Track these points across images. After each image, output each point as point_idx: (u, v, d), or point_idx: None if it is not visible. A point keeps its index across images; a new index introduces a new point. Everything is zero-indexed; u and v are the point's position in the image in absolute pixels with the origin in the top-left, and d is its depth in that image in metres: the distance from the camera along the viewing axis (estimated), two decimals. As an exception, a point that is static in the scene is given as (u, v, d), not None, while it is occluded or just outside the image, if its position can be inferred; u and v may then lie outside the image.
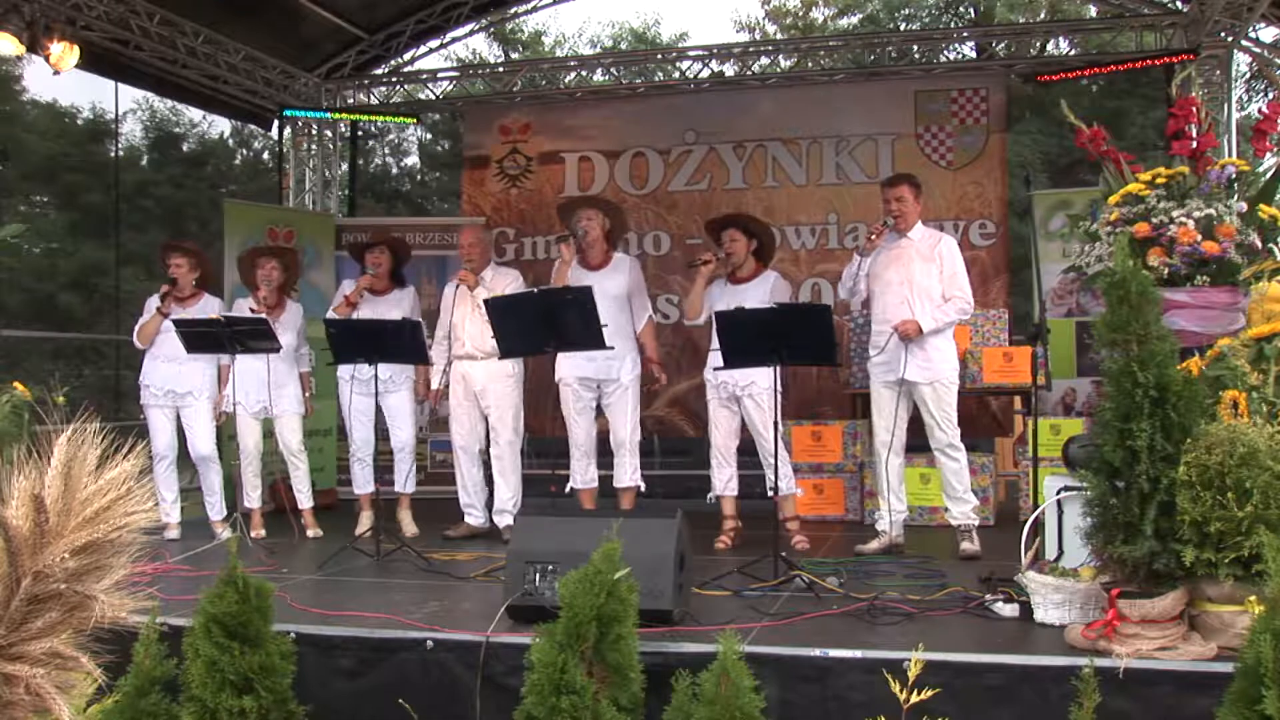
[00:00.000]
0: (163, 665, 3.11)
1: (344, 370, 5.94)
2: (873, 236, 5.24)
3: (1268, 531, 2.85)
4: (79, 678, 1.55)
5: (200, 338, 5.61)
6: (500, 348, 5.22)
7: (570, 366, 5.68)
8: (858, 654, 3.21)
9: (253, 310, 5.98)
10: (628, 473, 5.72)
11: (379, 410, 6.17)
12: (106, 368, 17.05)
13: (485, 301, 5.24)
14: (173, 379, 5.94)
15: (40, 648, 1.49)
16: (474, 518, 6.05)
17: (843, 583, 4.27)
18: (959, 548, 5.15)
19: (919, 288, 5.19)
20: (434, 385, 6.09)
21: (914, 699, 2.65)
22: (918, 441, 5.39)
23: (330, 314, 6.03)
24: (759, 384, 5.37)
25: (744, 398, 5.46)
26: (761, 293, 5.41)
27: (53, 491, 1.51)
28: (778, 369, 4.80)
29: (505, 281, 5.91)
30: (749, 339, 4.76)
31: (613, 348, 5.27)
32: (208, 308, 6.01)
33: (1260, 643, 2.42)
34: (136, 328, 6.02)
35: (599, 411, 5.80)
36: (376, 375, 5.75)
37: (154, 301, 6.01)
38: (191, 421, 6.01)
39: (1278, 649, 2.38)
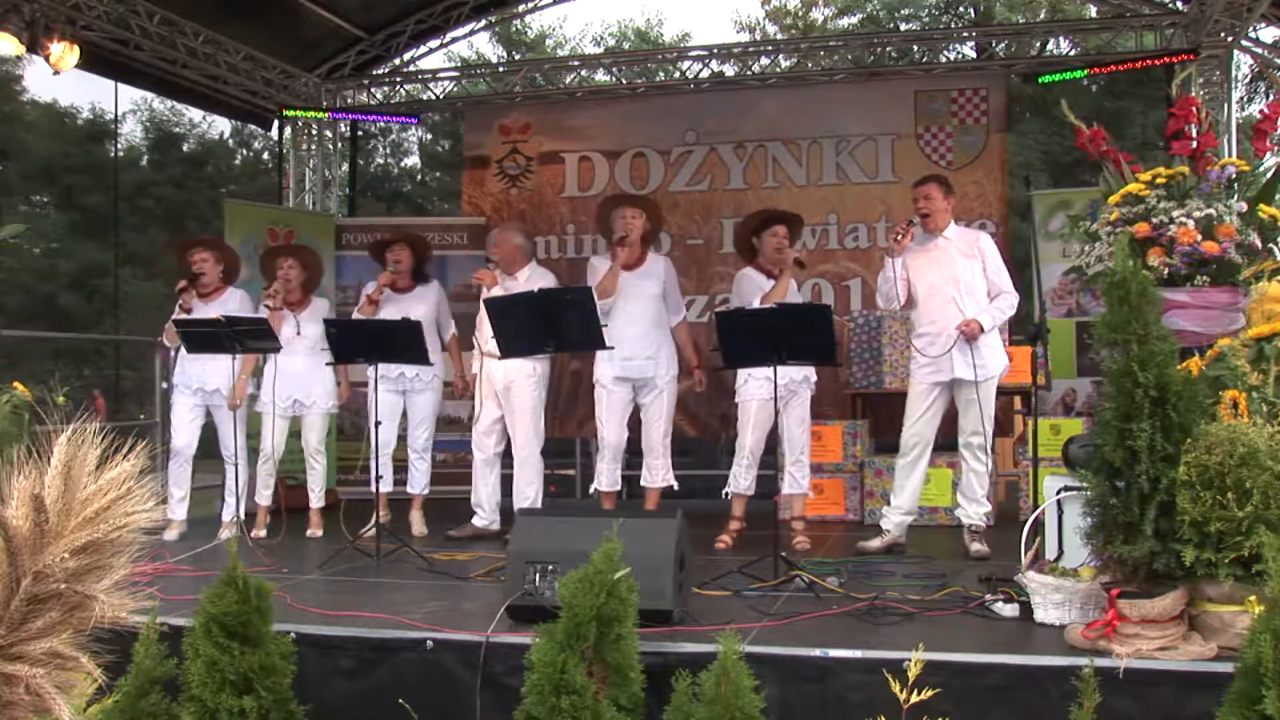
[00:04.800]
0: (163, 665, 3.11)
1: (372, 370, 5.93)
2: (899, 237, 5.20)
3: (1268, 531, 2.85)
4: (79, 678, 1.55)
5: (200, 337, 5.61)
6: (500, 348, 5.21)
7: (607, 367, 5.67)
8: (858, 654, 3.21)
9: (268, 306, 5.99)
10: (659, 474, 5.73)
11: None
12: (106, 368, 17.05)
13: (485, 302, 5.25)
14: (199, 376, 5.95)
15: (40, 648, 1.49)
16: (480, 518, 5.99)
17: (843, 583, 4.27)
18: (969, 549, 5.14)
19: (966, 286, 5.17)
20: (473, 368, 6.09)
21: (914, 699, 2.65)
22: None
23: (355, 314, 6.06)
24: (809, 379, 5.48)
25: (794, 395, 5.48)
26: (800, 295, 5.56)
27: (53, 491, 1.51)
28: (776, 368, 4.80)
29: (539, 282, 5.81)
30: (749, 339, 4.76)
31: (613, 347, 5.28)
32: (230, 301, 6.02)
33: (1260, 643, 2.42)
34: (166, 326, 6.05)
35: (633, 414, 5.81)
36: (378, 374, 5.72)
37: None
38: (223, 419, 6.01)
39: (1278, 649, 2.38)
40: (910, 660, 2.70)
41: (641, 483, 5.83)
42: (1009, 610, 3.70)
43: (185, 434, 5.99)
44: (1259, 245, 3.98)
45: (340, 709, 3.48)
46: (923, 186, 5.30)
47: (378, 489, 5.86)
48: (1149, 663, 3.01)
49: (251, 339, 5.60)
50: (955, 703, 2.96)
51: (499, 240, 6.04)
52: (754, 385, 5.53)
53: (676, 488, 5.81)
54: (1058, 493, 3.98)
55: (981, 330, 5.06)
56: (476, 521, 6.01)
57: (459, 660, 3.43)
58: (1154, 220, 3.95)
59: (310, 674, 3.42)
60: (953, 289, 5.17)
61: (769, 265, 5.63)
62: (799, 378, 5.44)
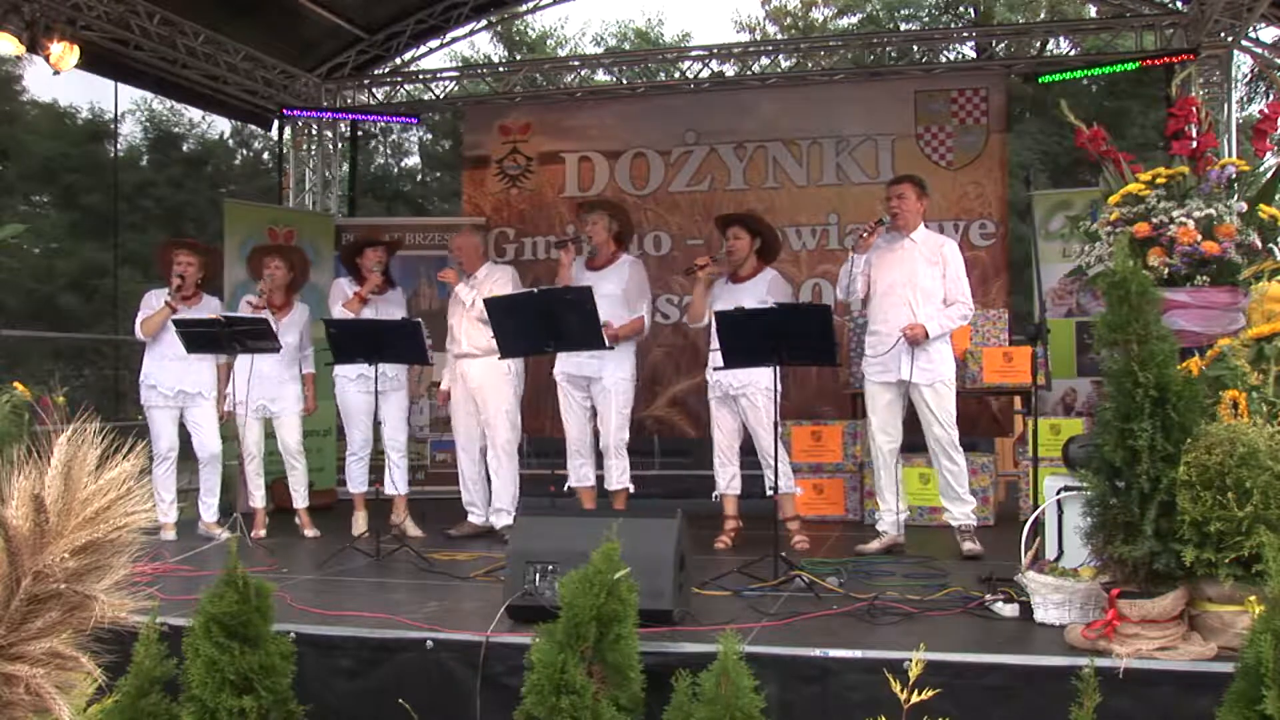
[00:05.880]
0: (163, 665, 3.11)
1: (348, 369, 5.94)
2: (865, 235, 5.26)
3: (1268, 531, 2.85)
4: (79, 678, 1.55)
5: (200, 337, 5.61)
6: (500, 348, 5.23)
7: (560, 364, 5.76)
8: (858, 654, 3.21)
9: (251, 305, 5.98)
10: (614, 475, 5.75)
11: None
12: (106, 368, 17.06)
13: (485, 301, 5.27)
14: (181, 378, 5.93)
15: (40, 648, 1.49)
16: (476, 516, 6.09)
17: (843, 583, 4.27)
18: (962, 548, 5.15)
19: (922, 290, 5.19)
20: (443, 385, 6.20)
21: (914, 699, 2.65)
22: (918, 440, 5.39)
23: (341, 310, 6.06)
24: (757, 384, 5.37)
25: (741, 397, 5.46)
26: (759, 291, 5.43)
27: (53, 491, 1.51)
28: (777, 369, 4.80)
29: (496, 279, 5.94)
30: (749, 339, 4.76)
31: (612, 347, 5.29)
32: (208, 308, 6.01)
33: (1260, 643, 2.42)
34: (139, 320, 5.98)
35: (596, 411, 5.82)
36: (377, 375, 5.73)
37: (153, 296, 6.01)
38: (201, 421, 6.00)
39: (1278, 649, 2.38)
40: (910, 660, 2.70)
41: (605, 485, 5.85)
42: (1009, 610, 3.70)
43: (168, 438, 5.98)
44: (1259, 245, 3.98)
45: (340, 709, 3.48)
46: (896, 186, 5.34)
47: (377, 491, 5.88)
48: (1149, 663, 3.01)
49: (251, 339, 5.60)
50: (955, 703, 2.97)
51: (460, 243, 6.20)
52: (709, 386, 5.64)
53: (632, 490, 5.82)
54: (1058, 493, 3.98)
55: (926, 336, 5.09)
56: (473, 519, 6.09)
57: (459, 660, 3.43)
58: (1154, 220, 3.95)
59: (310, 674, 3.42)
60: (909, 292, 5.19)
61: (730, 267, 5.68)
62: (746, 380, 5.40)
